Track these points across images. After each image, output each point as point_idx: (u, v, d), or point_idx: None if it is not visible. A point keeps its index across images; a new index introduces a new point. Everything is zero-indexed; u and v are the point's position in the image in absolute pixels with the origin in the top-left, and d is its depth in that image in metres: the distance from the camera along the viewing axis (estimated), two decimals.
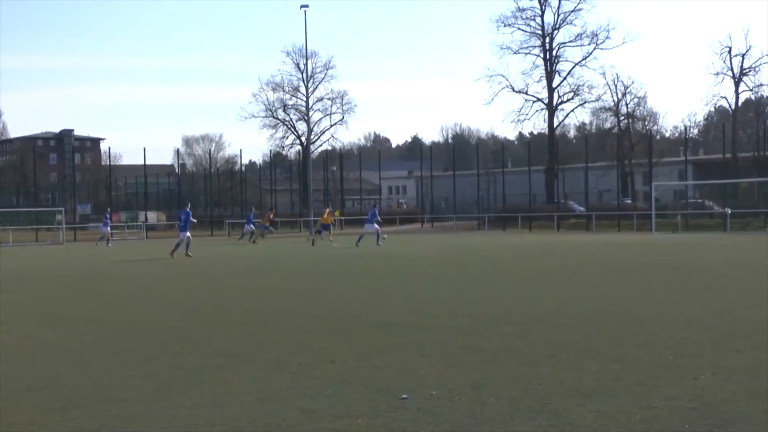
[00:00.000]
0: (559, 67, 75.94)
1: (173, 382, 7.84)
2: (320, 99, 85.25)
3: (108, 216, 53.34)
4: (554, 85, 75.67)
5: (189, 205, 34.06)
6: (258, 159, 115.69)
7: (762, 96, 73.51)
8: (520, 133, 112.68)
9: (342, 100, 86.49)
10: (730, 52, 68.93)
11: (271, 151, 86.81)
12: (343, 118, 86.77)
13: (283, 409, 6.73)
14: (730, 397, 6.73)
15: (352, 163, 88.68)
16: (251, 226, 49.60)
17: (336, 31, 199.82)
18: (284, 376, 8.03)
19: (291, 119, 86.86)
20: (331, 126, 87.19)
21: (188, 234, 32.05)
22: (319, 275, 22.08)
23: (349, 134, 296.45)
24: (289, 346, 9.78)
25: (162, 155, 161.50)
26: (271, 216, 58.40)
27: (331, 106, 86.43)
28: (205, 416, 6.53)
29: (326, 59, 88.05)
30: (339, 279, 20.76)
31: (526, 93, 76.23)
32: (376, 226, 39.78)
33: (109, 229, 50.92)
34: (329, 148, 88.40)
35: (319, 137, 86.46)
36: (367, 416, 6.45)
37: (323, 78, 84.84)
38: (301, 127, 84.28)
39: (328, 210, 48.34)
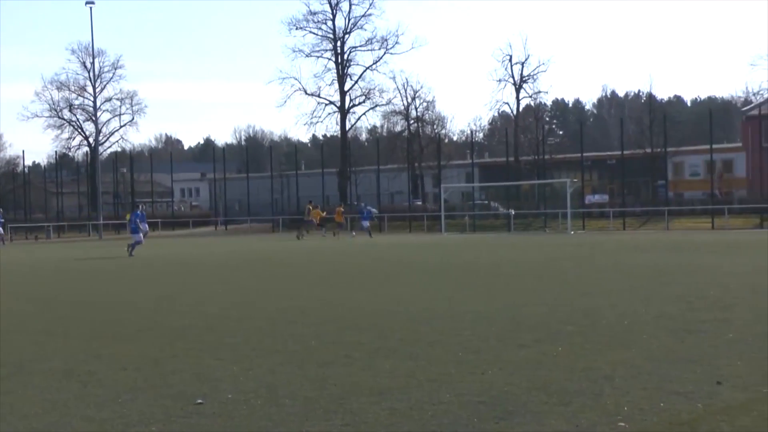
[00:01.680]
0: (350, 70, 76.94)
1: None
2: (109, 99, 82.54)
3: None
4: (346, 88, 76.59)
5: (141, 207, 38.71)
6: (42, 161, 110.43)
7: (541, 102, 77.46)
8: (314, 135, 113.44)
9: (132, 100, 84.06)
10: (510, 60, 72.10)
11: (56, 152, 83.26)
12: (133, 118, 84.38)
13: (71, 419, 6.48)
14: (514, 390, 7.05)
15: (143, 164, 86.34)
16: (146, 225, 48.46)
17: (125, 29, 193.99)
18: (72, 386, 7.73)
19: (78, 119, 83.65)
20: (121, 127, 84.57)
21: (141, 235, 33.72)
22: (111, 280, 21.38)
23: (140, 135, 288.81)
24: (78, 354, 9.43)
25: None
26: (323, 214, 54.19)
27: (121, 106, 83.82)
28: None
29: (114, 58, 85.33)
30: (130, 284, 20.17)
31: (319, 96, 76.78)
32: (367, 223, 50.15)
33: None
34: (119, 149, 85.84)
35: (108, 138, 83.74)
36: (160, 423, 6.32)
37: (111, 77, 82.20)
38: (89, 127, 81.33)
39: (339, 208, 51.50)
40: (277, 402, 6.86)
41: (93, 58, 72.45)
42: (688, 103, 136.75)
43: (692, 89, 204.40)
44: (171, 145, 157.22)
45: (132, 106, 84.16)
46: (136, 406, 6.85)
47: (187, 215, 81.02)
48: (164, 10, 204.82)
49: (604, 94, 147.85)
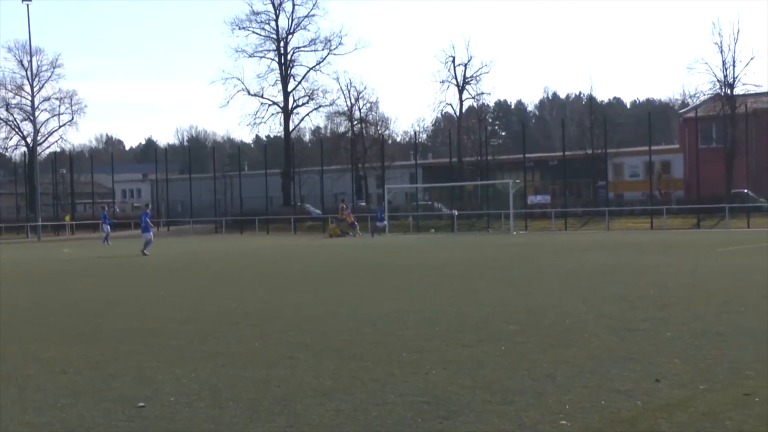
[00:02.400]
0: (294, 71, 76.77)
1: None
2: (47, 98, 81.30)
3: None
4: (289, 89, 76.38)
5: (149, 207, 38.71)
6: None
7: (483, 104, 77.96)
8: (257, 136, 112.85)
9: (71, 100, 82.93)
10: (453, 61, 72.53)
11: None
12: (72, 118, 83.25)
13: (8, 425, 6.36)
14: (458, 390, 7.09)
15: (84, 165, 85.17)
16: (108, 227, 48.57)
17: (64, 27, 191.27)
18: (10, 390, 7.59)
19: (15, 119, 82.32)
20: (60, 127, 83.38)
21: (151, 234, 34.35)
22: (50, 282, 21.04)
23: (80, 136, 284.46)
24: (15, 358, 9.26)
25: None
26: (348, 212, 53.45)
27: (60, 106, 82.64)
28: None
29: (53, 57, 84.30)
30: (70, 286, 19.88)
31: (262, 96, 76.45)
32: (384, 222, 51.43)
33: None
34: (58, 149, 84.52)
35: (46, 138, 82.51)
36: (101, 427, 6.24)
37: (50, 77, 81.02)
38: (27, 127, 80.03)
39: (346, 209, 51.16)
40: (220, 404, 6.82)
41: (30, 57, 71.33)
42: (628, 105, 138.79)
43: (631, 91, 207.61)
44: (112, 145, 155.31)
45: (71, 106, 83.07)
46: (77, 410, 6.76)
47: (128, 216, 79.94)
48: (105, 9, 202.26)
49: (545, 96, 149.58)
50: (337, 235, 50.59)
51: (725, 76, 58.92)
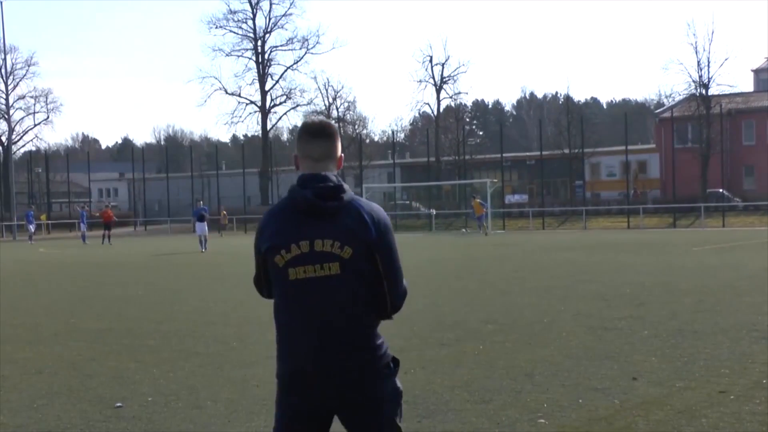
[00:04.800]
0: (271, 70, 76.66)
1: None
2: (22, 97, 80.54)
3: None
4: (267, 88, 76.28)
5: (201, 202, 38.86)
6: None
7: (461, 103, 78.06)
8: (234, 135, 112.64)
9: (46, 98, 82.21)
10: (431, 61, 72.58)
11: None
12: (48, 117, 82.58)
13: None
14: (436, 389, 7.11)
15: (59, 164, 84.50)
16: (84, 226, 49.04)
17: (39, 25, 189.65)
18: None
19: None
20: (35, 125, 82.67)
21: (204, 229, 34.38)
22: (26, 282, 20.88)
23: (55, 134, 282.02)
24: None
25: None
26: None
27: (35, 104, 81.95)
28: None
29: (28, 55, 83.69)
30: (47, 286, 19.74)
31: (239, 95, 76.32)
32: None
33: None
34: (33, 148, 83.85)
35: (21, 137, 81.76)
36: (78, 428, 6.21)
37: (25, 75, 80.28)
38: (1, 126, 79.29)
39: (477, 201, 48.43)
40: (198, 404, 6.80)
41: (5, 55, 70.77)
42: (604, 105, 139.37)
43: (608, 91, 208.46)
44: (88, 144, 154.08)
45: (47, 104, 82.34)
46: (53, 411, 6.72)
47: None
48: (81, 6, 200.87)
49: (523, 96, 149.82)
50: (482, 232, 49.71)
51: (700, 77, 59.32)
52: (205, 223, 34.68)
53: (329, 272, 3.42)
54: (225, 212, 60.50)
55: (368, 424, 3.51)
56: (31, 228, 49.68)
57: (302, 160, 3.57)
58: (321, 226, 3.41)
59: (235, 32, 75.80)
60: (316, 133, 3.55)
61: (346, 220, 3.41)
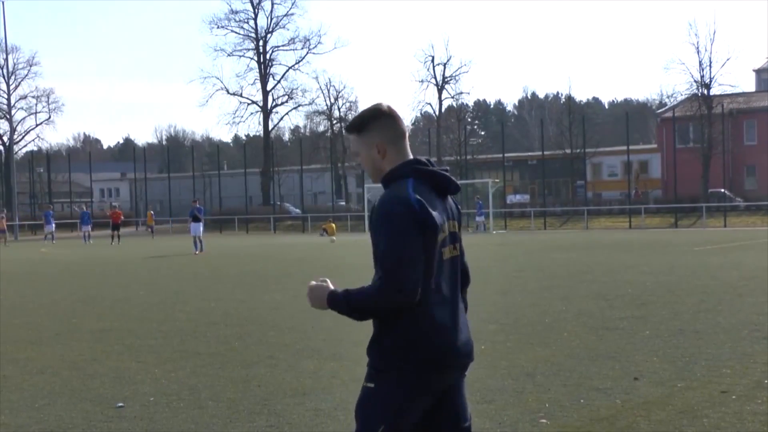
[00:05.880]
0: (273, 70, 76.57)
1: None
2: (24, 97, 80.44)
3: None
4: (268, 88, 76.18)
5: (197, 202, 37.44)
6: None
7: (462, 103, 78.03)
8: (236, 135, 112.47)
9: (48, 98, 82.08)
10: (433, 60, 72.52)
11: None
12: (49, 117, 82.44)
13: None
14: None
15: (61, 164, 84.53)
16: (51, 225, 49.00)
17: (41, 25, 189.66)
18: None
19: None
20: (37, 125, 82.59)
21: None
22: (28, 282, 20.88)
23: (57, 134, 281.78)
24: None
25: None
26: None
27: (37, 104, 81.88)
28: None
29: (29, 55, 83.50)
30: (48, 286, 19.73)
31: (241, 95, 76.21)
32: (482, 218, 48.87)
33: None
34: (35, 148, 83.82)
35: (23, 137, 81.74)
36: (79, 428, 6.21)
37: (26, 75, 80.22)
38: (3, 126, 79.24)
39: None
40: (200, 404, 6.80)
41: (6, 55, 70.77)
42: (606, 105, 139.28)
43: (609, 91, 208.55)
44: (90, 144, 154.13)
45: (48, 104, 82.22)
46: (54, 410, 6.72)
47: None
48: (83, 6, 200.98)
49: (524, 96, 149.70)
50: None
51: (702, 77, 59.26)
52: (200, 223, 34.44)
53: (457, 253, 3.57)
54: (151, 212, 61.48)
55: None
56: (50, 227, 49.45)
57: (394, 141, 3.50)
58: (445, 206, 3.50)
59: (236, 32, 75.78)
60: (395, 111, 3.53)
61: (451, 203, 3.58)
